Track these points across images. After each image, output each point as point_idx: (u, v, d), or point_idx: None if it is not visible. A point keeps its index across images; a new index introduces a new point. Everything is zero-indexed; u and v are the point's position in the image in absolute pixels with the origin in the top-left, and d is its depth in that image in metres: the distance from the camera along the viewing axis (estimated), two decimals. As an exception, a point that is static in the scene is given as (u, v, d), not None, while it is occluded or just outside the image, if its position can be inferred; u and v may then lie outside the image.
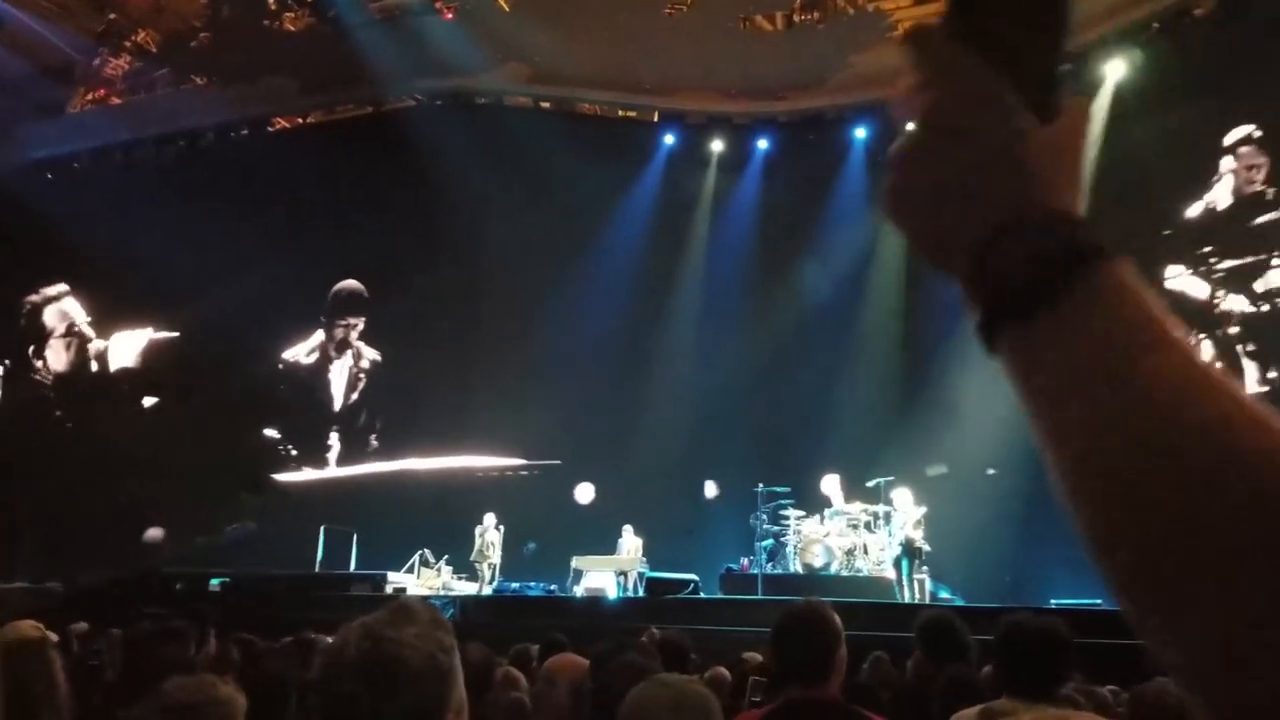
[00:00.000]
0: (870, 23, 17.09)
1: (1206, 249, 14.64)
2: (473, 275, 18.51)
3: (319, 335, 21.06)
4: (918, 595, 12.45)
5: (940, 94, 0.63)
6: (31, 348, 22.87)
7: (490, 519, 15.18)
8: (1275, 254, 14.09)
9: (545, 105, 19.22)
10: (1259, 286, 14.13)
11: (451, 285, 18.82)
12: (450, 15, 18.65)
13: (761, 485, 13.77)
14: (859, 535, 13.14)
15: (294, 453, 20.51)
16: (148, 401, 21.47)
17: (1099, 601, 11.81)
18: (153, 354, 21.80)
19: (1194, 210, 14.90)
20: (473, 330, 18.72)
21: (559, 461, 17.35)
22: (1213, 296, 14.51)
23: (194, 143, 21.69)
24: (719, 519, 14.94)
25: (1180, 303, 14.46)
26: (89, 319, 22.64)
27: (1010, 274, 0.59)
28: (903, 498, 13.06)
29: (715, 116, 18.27)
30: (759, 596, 11.96)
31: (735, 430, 15.94)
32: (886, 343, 16.03)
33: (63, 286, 22.68)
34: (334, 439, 20.47)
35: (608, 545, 14.42)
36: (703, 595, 12.71)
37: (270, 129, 21.65)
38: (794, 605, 2.94)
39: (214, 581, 14.85)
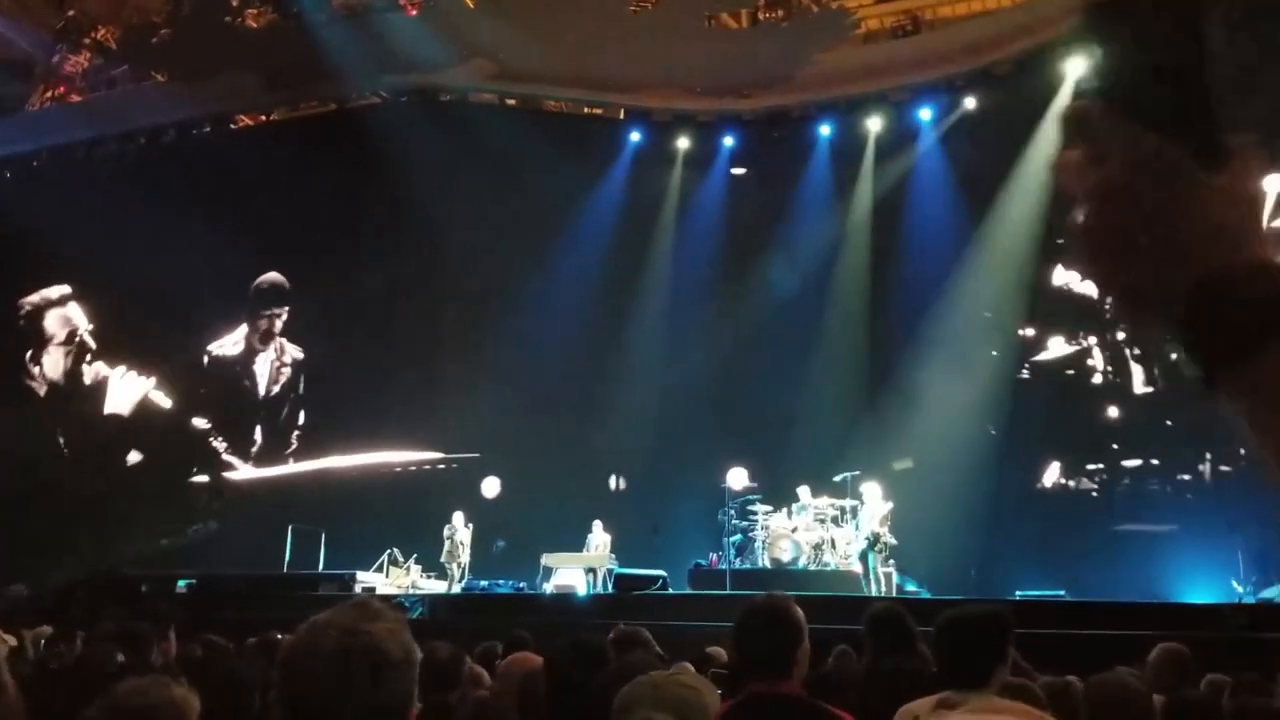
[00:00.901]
0: (834, 20, 17.21)
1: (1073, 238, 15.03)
2: (438, 272, 18.44)
3: (243, 327, 21.02)
4: (884, 588, 12.57)
5: (1112, 165, 0.66)
6: (29, 352, 22.34)
7: (459, 518, 15.15)
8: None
9: (510, 102, 19.15)
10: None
11: (416, 282, 18.75)
12: (414, 12, 18.57)
13: (728, 480, 13.83)
14: (826, 530, 13.24)
15: (222, 445, 20.49)
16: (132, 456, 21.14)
17: (1062, 593, 12.04)
18: (146, 411, 21.40)
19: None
20: (437, 327, 18.66)
21: (477, 454, 17.47)
22: (1103, 302, 14.98)
23: (155, 140, 21.42)
24: (687, 515, 14.99)
25: (1076, 306, 15.06)
26: (90, 327, 22.19)
27: (1228, 325, 0.63)
28: (871, 492, 13.18)
29: (681, 114, 18.27)
30: (727, 591, 12.02)
31: (702, 426, 16.00)
32: (852, 338, 16.15)
33: (65, 289, 22.13)
34: (258, 434, 20.55)
35: (576, 541, 14.45)
36: (671, 591, 12.75)
37: (233, 126, 21.43)
38: (756, 599, 2.95)
39: (180, 583, 14.74)
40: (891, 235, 16.24)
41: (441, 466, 18.15)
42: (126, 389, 21.54)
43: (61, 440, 21.60)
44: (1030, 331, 15.77)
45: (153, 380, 21.32)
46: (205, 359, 21.05)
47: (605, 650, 3.45)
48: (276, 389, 20.59)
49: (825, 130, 17.46)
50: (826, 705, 2.85)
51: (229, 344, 21.05)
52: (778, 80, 17.43)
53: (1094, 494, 14.80)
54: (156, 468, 20.08)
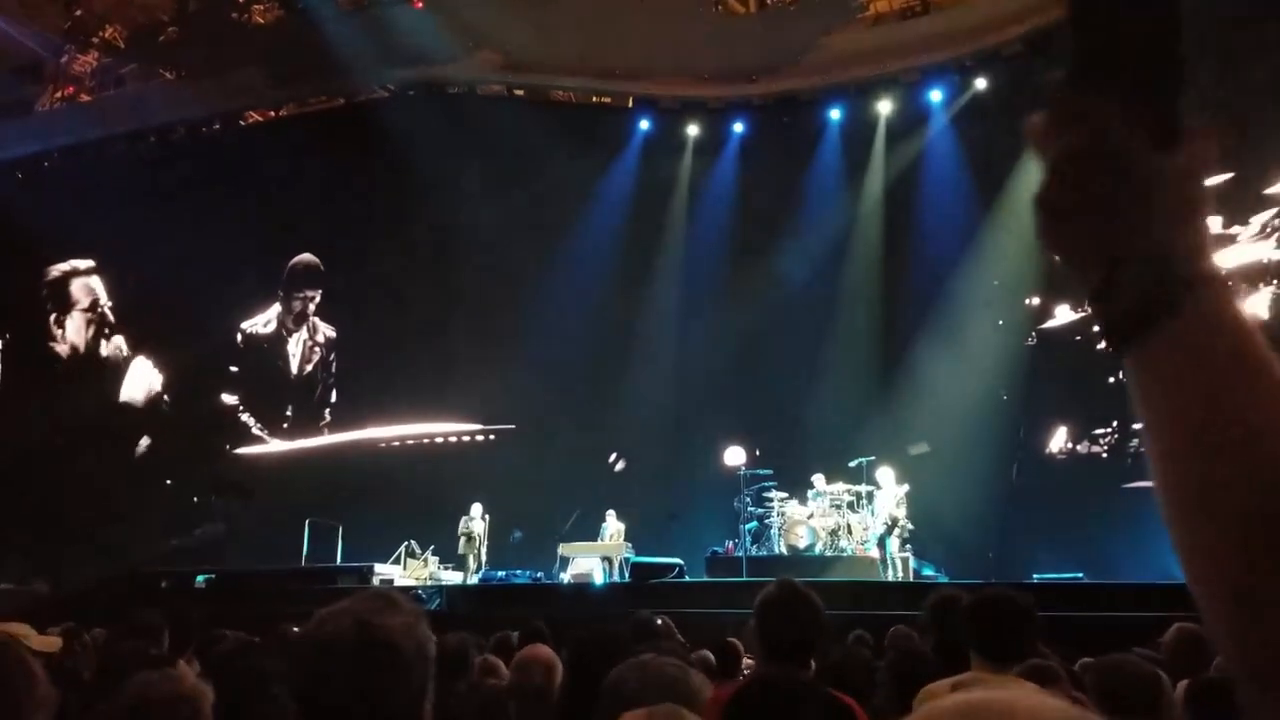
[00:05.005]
0: (841, 3, 17.08)
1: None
2: (449, 264, 18.47)
3: (276, 307, 21.23)
4: (901, 573, 12.55)
5: (1072, 136, 0.69)
6: (54, 315, 22.83)
7: (477, 509, 15.20)
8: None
9: (519, 93, 19.12)
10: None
11: (427, 274, 18.79)
12: (420, 4, 18.52)
13: (744, 468, 13.82)
14: (842, 515, 13.22)
15: (252, 421, 20.70)
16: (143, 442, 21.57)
17: (1080, 576, 12.00)
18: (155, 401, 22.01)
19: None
20: (448, 317, 18.70)
21: (513, 426, 17.60)
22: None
23: (166, 138, 21.50)
24: (703, 503, 14.99)
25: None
26: (109, 302, 22.62)
27: (1119, 304, 0.67)
28: (885, 477, 13.15)
29: (689, 101, 18.21)
30: (744, 578, 12.01)
31: (716, 413, 15.98)
32: (865, 322, 16.09)
33: (90, 262, 22.56)
34: (289, 410, 20.80)
35: (591, 531, 14.48)
36: (688, 579, 12.76)
37: (242, 123, 21.48)
38: (772, 587, 2.95)
39: (199, 578, 14.83)
40: (903, 219, 16.16)
41: (480, 439, 18.34)
42: (143, 377, 21.93)
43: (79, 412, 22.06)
44: (1036, 300, 15.70)
45: (161, 377, 21.62)
46: (239, 336, 21.32)
47: (626, 641, 3.45)
48: (309, 368, 20.90)
49: (835, 114, 17.36)
50: (832, 691, 2.84)
51: (261, 323, 21.35)
52: (786, 64, 17.33)
53: (1103, 456, 14.78)
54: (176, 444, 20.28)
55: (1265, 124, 13.47)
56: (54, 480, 20.19)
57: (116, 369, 22.27)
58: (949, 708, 0.60)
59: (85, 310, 22.72)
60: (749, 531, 13.63)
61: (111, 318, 22.52)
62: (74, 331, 22.79)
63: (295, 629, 4.74)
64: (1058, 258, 0.71)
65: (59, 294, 22.90)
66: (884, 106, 16.99)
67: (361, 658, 1.42)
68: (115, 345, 22.45)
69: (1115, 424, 14.75)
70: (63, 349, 22.79)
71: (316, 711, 1.43)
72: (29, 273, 22.62)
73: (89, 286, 22.70)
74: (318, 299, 20.93)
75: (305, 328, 21.00)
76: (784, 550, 13.13)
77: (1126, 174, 0.67)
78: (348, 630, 1.44)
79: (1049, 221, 0.71)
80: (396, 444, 19.13)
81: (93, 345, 22.68)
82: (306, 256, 20.85)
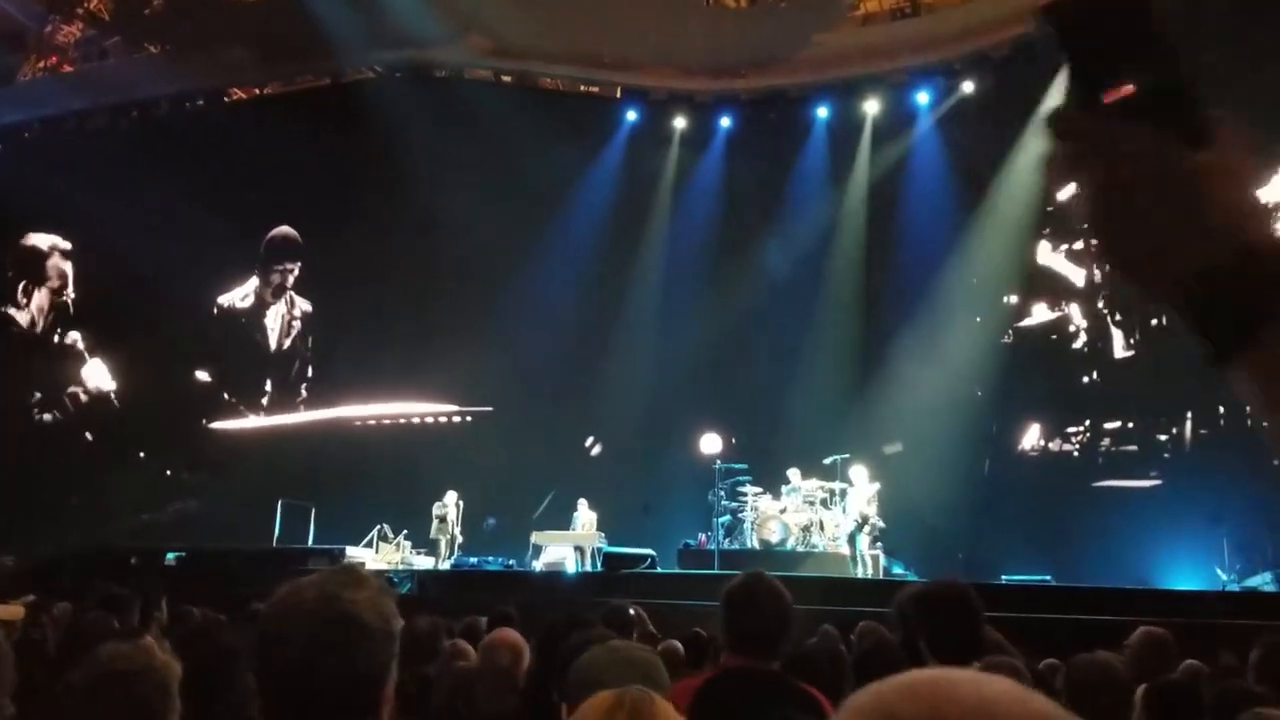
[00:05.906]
0: (831, 2, 17.11)
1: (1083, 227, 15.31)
2: (430, 245, 18.35)
3: (253, 281, 21.05)
4: (871, 571, 12.63)
5: (1105, 162, 0.66)
6: (23, 284, 22.49)
7: (451, 496, 15.17)
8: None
9: (506, 79, 19.04)
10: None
11: (407, 254, 18.67)
12: (410, -15, 18.38)
13: (719, 462, 13.86)
14: (815, 511, 13.28)
15: (229, 398, 20.56)
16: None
17: (1048, 578, 12.11)
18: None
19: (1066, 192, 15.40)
20: (427, 298, 18.63)
21: (490, 408, 17.54)
22: (1090, 272, 15.31)
23: (148, 112, 21.27)
24: (677, 495, 15.02)
25: (1056, 277, 15.47)
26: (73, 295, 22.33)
27: (1224, 313, 0.64)
28: (858, 474, 13.23)
29: (677, 93, 18.19)
30: (716, 571, 12.06)
31: (693, 407, 16.01)
32: (845, 320, 16.16)
33: (68, 245, 22.27)
34: (268, 385, 20.65)
35: (563, 519, 14.49)
36: (660, 570, 12.81)
37: (227, 99, 21.28)
38: (740, 578, 2.96)
39: (170, 556, 14.73)
40: (887, 219, 16.23)
41: (456, 420, 18.29)
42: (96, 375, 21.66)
43: (37, 394, 21.81)
44: (1014, 299, 15.84)
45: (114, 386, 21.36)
46: (215, 310, 21.11)
47: (596, 627, 3.46)
48: (288, 342, 20.72)
49: (822, 112, 17.40)
50: (800, 683, 2.87)
51: (238, 297, 21.13)
52: (775, 61, 17.35)
53: (1074, 455, 14.96)
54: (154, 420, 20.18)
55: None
56: (22, 451, 20.02)
57: (78, 352, 21.99)
58: (891, 688, 0.59)
59: (54, 290, 22.39)
60: (722, 525, 13.68)
61: (72, 309, 22.22)
62: (37, 308, 22.49)
63: (263, 607, 4.73)
64: (1136, 286, 0.68)
65: (32, 265, 22.51)
66: (871, 106, 17.04)
67: (324, 630, 1.41)
68: (73, 335, 22.12)
69: (1088, 422, 14.94)
70: (24, 319, 22.48)
71: (276, 683, 1.43)
72: (1, 241, 22.34)
73: (61, 269, 22.37)
74: (296, 271, 20.77)
75: (283, 301, 20.83)
76: (756, 544, 13.19)
77: (1180, 180, 0.64)
78: (311, 603, 1.43)
79: (1117, 250, 0.68)
80: (372, 423, 19.06)
81: (51, 326, 22.37)
82: (284, 228, 20.66)
